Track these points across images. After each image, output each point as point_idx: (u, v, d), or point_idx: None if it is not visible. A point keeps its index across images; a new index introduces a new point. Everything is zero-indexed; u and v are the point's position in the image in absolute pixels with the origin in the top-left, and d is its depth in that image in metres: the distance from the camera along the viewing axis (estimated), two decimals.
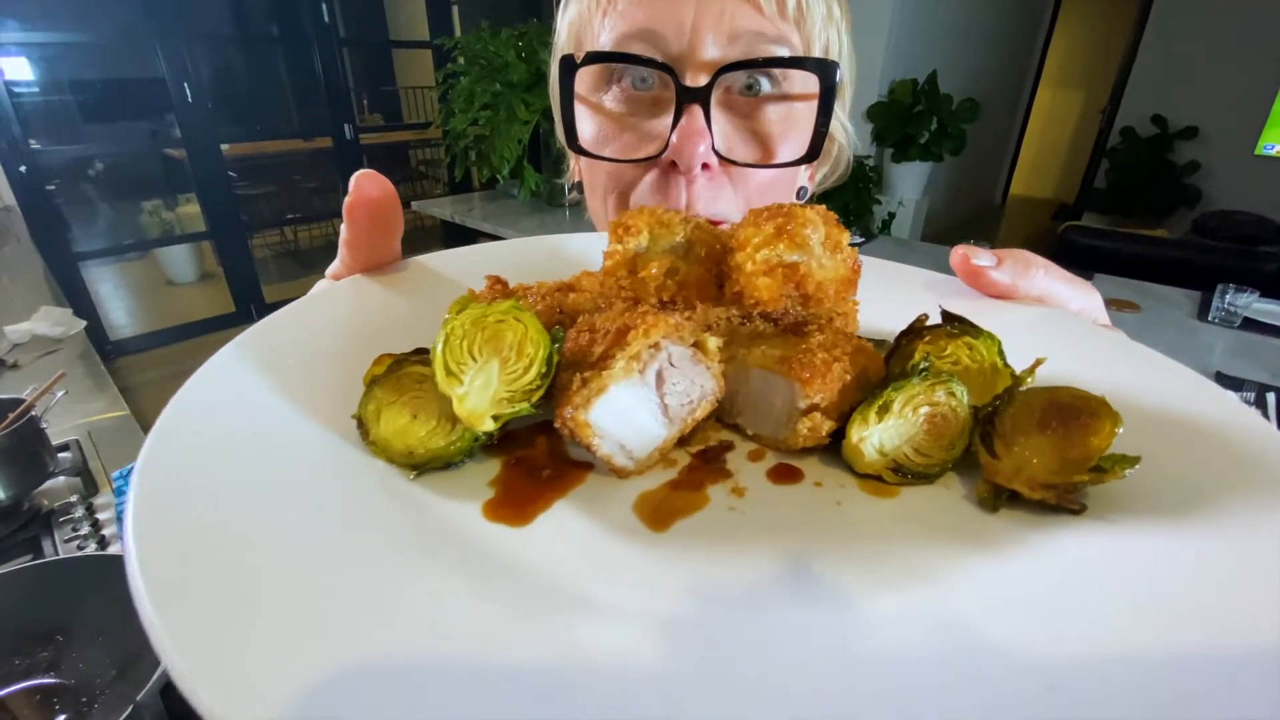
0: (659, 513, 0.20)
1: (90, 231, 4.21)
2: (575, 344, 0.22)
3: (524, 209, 2.99)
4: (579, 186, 0.44)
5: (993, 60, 5.56)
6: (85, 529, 0.90)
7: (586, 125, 0.38)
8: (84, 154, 4.47)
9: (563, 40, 0.41)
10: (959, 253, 0.27)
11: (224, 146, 3.74)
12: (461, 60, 2.82)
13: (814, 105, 0.35)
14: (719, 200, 0.38)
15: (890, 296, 0.30)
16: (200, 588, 0.16)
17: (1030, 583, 0.17)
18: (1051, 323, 0.27)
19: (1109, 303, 1.57)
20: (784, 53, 0.35)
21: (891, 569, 0.17)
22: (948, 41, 4.61)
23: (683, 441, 0.23)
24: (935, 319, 0.24)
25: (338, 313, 0.28)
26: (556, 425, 0.21)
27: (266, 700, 0.13)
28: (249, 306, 4.02)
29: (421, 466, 0.21)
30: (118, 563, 0.68)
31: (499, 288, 0.25)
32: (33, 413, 0.95)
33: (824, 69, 0.34)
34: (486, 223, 2.82)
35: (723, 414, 0.24)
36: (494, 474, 0.21)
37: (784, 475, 0.22)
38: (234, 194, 3.91)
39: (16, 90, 3.13)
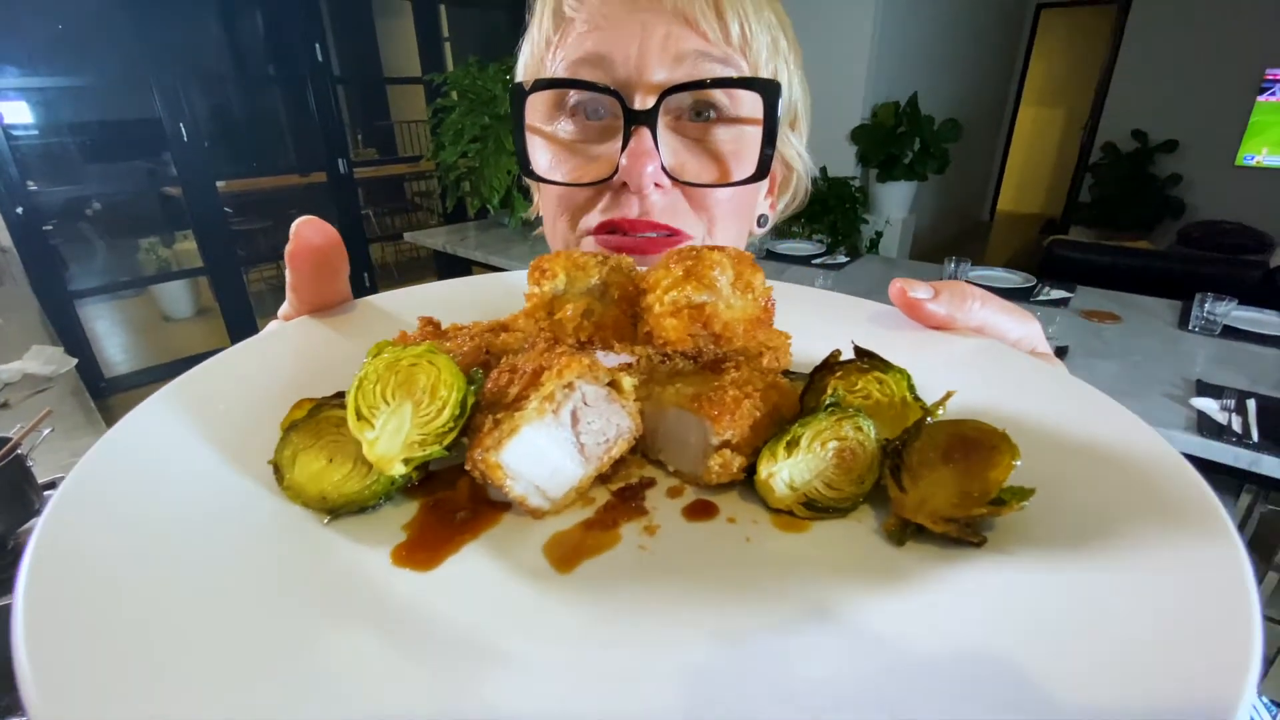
0: (567, 554, 0.20)
1: (87, 270, 4.25)
2: (495, 384, 0.22)
3: (515, 237, 3.03)
4: (539, 219, 0.46)
5: (973, 81, 5.68)
6: None
7: (540, 153, 0.39)
8: (81, 194, 4.53)
9: (519, 75, 0.43)
10: (896, 286, 0.28)
11: (219, 183, 3.79)
12: (452, 95, 2.88)
13: (759, 129, 0.37)
14: (678, 216, 0.38)
15: (830, 330, 0.30)
16: (81, 642, 0.16)
17: (928, 615, 0.17)
18: (983, 353, 0.28)
19: (1092, 314, 1.60)
20: (729, 74, 0.36)
21: (788, 604, 0.18)
22: (928, 65, 4.72)
23: (604, 479, 0.23)
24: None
25: (274, 356, 0.28)
26: (467, 467, 0.21)
27: None
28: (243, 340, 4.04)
29: (336, 511, 0.21)
30: None
31: (429, 328, 0.26)
32: (19, 450, 0.96)
33: (765, 88, 0.35)
34: (479, 251, 2.85)
35: (647, 450, 0.24)
36: (410, 516, 0.21)
37: (699, 512, 0.22)
38: (230, 230, 3.95)
39: (15, 134, 3.18)
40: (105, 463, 0.21)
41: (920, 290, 0.27)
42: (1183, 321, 1.81)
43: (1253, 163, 5.08)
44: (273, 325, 0.32)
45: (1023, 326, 0.28)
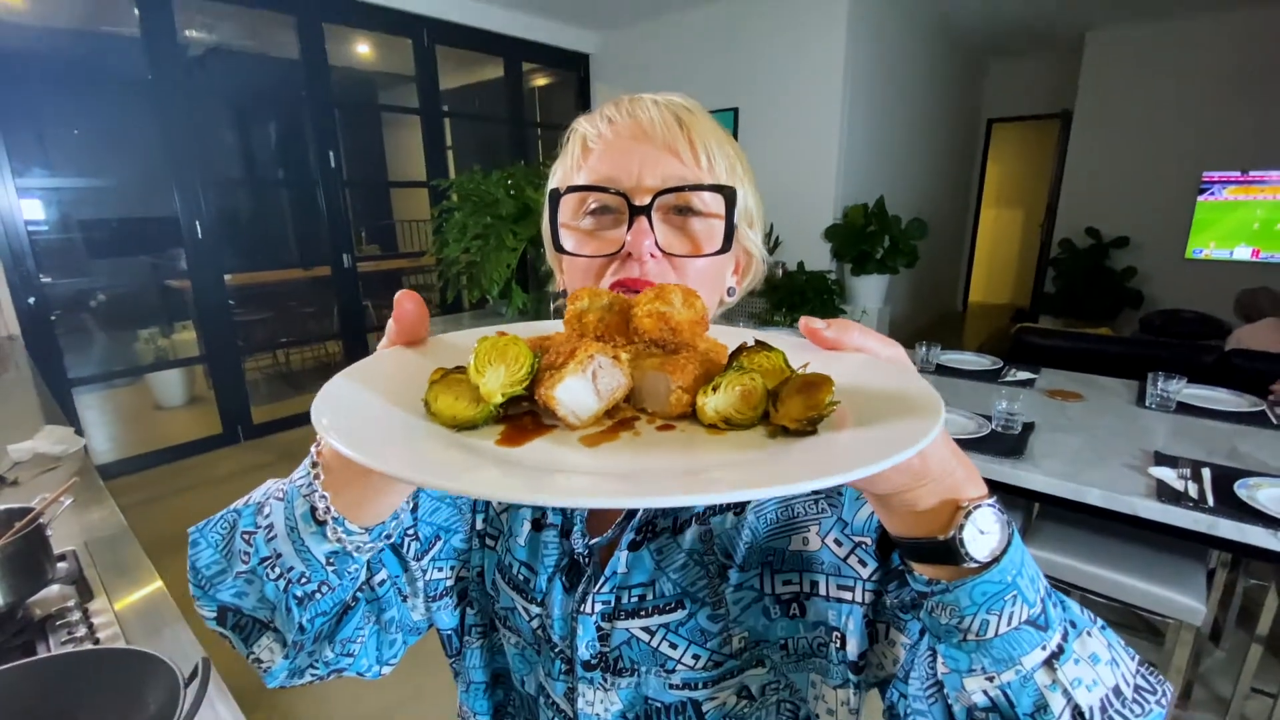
0: (591, 441, 0.35)
1: (85, 359, 4.31)
2: (547, 360, 0.38)
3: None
4: (564, 294, 0.58)
5: (935, 185, 6.16)
6: (81, 632, 0.92)
7: (568, 238, 0.54)
8: (91, 285, 4.69)
9: (552, 185, 0.58)
10: (802, 320, 0.40)
11: (227, 276, 3.95)
12: (454, 198, 3.12)
13: (723, 222, 0.52)
14: (665, 278, 0.52)
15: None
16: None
17: (778, 450, 0.33)
18: (856, 360, 0.43)
19: (1055, 393, 1.73)
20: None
21: (709, 450, 0.35)
22: (892, 171, 5.15)
23: (610, 415, 0.38)
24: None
25: (403, 357, 0.44)
26: (536, 398, 0.36)
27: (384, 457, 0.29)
28: (236, 427, 4.05)
29: (460, 426, 0.36)
30: (118, 656, 0.72)
31: (504, 334, 0.41)
32: (41, 520, 1.00)
33: (726, 192, 0.51)
34: (460, 331, 2.98)
35: (633, 401, 0.40)
36: (500, 431, 0.37)
37: (665, 429, 0.37)
38: (233, 320, 4.08)
39: (35, 229, 3.35)
40: (331, 394, 0.37)
41: (816, 322, 0.39)
42: (1140, 399, 1.93)
43: (1201, 256, 5.46)
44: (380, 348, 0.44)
45: (890, 350, 0.39)
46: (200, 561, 0.48)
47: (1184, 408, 1.85)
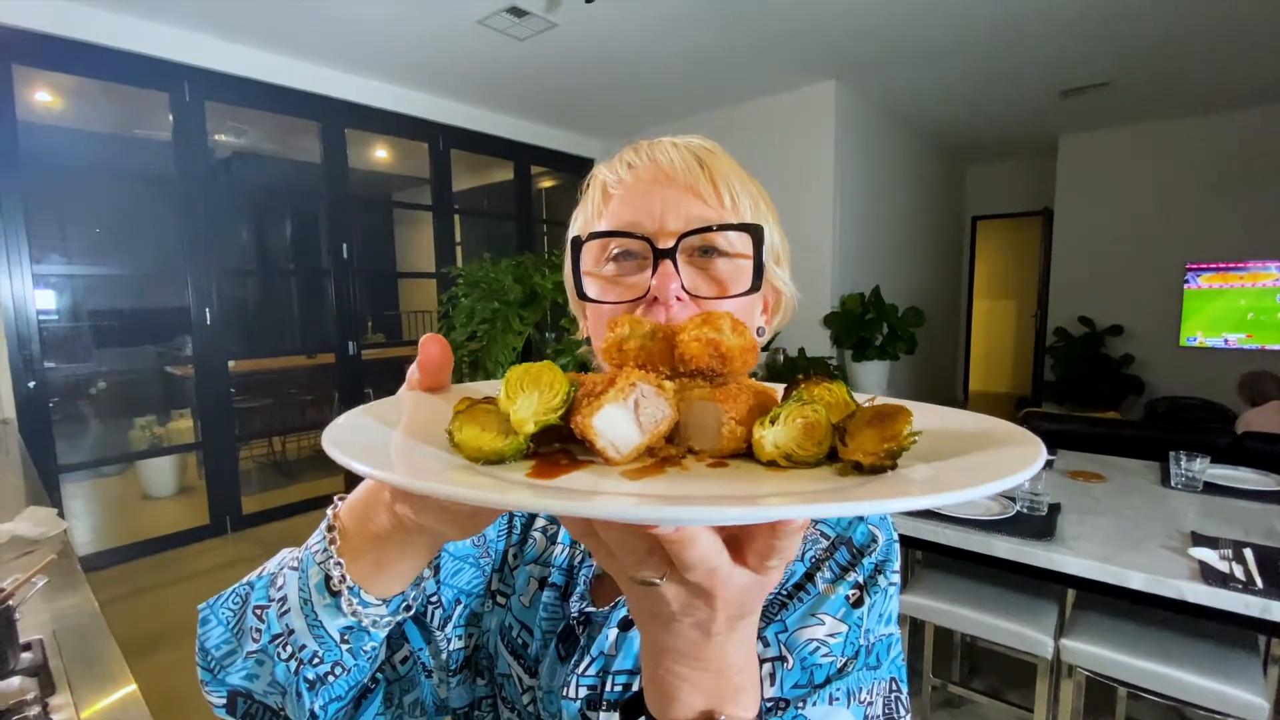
0: (635, 475, 0.31)
1: (78, 446, 4.24)
2: (585, 390, 0.34)
3: None
4: (587, 340, 0.56)
5: (928, 277, 6.35)
6: None
7: (591, 285, 0.51)
8: (92, 372, 4.68)
9: (573, 232, 0.56)
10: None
11: (231, 363, 3.96)
12: (462, 284, 3.20)
13: (750, 261, 0.50)
14: None
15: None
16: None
17: (849, 487, 0.29)
18: (923, 406, 0.41)
19: (1077, 474, 1.67)
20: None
21: (770, 482, 0.31)
22: (885, 262, 5.33)
23: (653, 453, 0.34)
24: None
25: (422, 399, 0.42)
26: (572, 426, 0.32)
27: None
28: (225, 518, 3.91)
29: (487, 460, 0.32)
30: None
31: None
32: (10, 602, 0.93)
33: (752, 229, 0.49)
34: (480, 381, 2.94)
35: (679, 438, 0.35)
36: (531, 465, 0.33)
37: (717, 465, 0.33)
38: (232, 407, 4.04)
39: (45, 317, 3.40)
40: (346, 423, 0.34)
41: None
42: (1164, 480, 1.87)
43: (1195, 343, 5.53)
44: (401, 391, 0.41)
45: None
46: (210, 641, 0.45)
47: (1210, 488, 1.79)
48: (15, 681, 0.94)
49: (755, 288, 0.49)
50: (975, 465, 0.28)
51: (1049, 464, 2.07)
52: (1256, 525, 1.52)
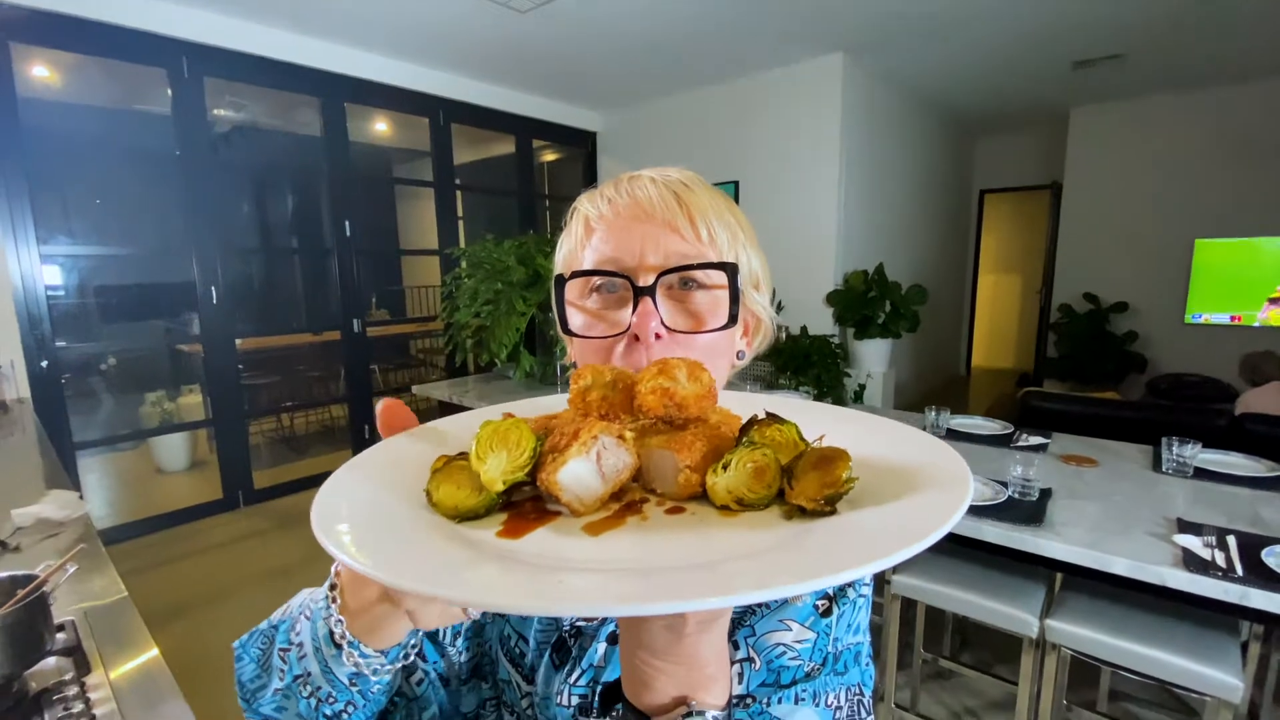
0: (595, 529, 0.34)
1: (91, 422, 4.31)
2: (550, 442, 0.37)
3: (518, 389, 3.18)
4: (573, 365, 0.59)
5: (933, 252, 6.31)
6: (78, 708, 0.88)
7: (575, 318, 0.54)
8: (102, 350, 4.74)
9: (558, 267, 0.59)
10: None
11: (238, 341, 4.00)
12: (465, 265, 3.21)
13: (727, 293, 0.52)
14: (675, 355, 0.53)
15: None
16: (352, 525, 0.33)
17: (797, 536, 0.32)
18: (873, 425, 0.45)
19: (1069, 459, 1.72)
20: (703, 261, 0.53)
21: (721, 539, 0.33)
22: (890, 239, 5.30)
23: (616, 497, 0.37)
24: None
25: (404, 447, 0.45)
26: (538, 483, 0.36)
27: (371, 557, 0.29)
28: (237, 493, 4.00)
29: (462, 517, 0.35)
30: None
31: (510, 416, 0.41)
32: (45, 589, 0.98)
33: (729, 269, 0.51)
34: (481, 402, 2.98)
35: (641, 481, 0.39)
36: (503, 519, 0.36)
37: (674, 511, 0.36)
38: (240, 384, 4.10)
39: (53, 295, 3.43)
40: (331, 492, 0.36)
41: None
42: (1155, 464, 1.91)
43: (1200, 320, 5.51)
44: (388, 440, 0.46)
45: None
46: (244, 676, 0.50)
47: (1201, 473, 1.82)
48: (51, 662, 1.00)
49: (732, 320, 0.52)
50: (897, 520, 0.31)
51: (1042, 448, 2.11)
52: (1242, 512, 1.56)
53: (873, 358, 4.64)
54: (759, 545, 0.31)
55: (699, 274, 0.52)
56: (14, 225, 3.17)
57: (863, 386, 4.42)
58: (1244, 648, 1.61)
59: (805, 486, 0.33)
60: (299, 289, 6.13)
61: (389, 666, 0.44)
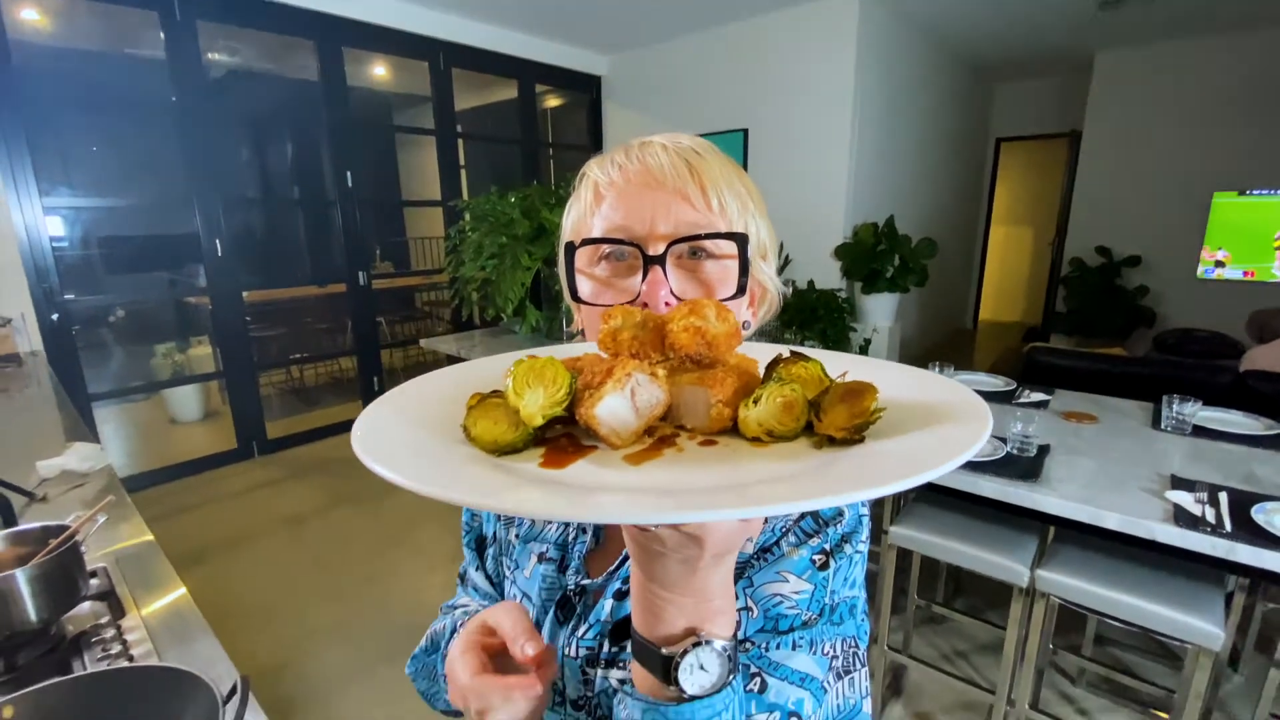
0: (636, 459, 0.35)
1: (104, 374, 4.38)
2: (584, 380, 0.38)
3: (525, 343, 3.20)
4: (582, 333, 0.60)
5: (944, 204, 6.18)
6: (116, 649, 0.94)
7: (584, 286, 0.54)
8: (110, 302, 4.77)
9: (566, 234, 0.58)
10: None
11: (244, 293, 4.01)
12: (469, 218, 3.18)
13: (737, 262, 0.52)
14: None
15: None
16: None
17: (825, 462, 0.33)
18: (894, 370, 0.46)
19: (1070, 415, 1.73)
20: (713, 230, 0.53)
21: (754, 465, 0.34)
22: (901, 190, 5.18)
23: (650, 432, 0.39)
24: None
25: (434, 383, 0.47)
26: (577, 418, 0.37)
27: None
28: (251, 443, 4.09)
29: (501, 450, 0.36)
30: (158, 675, 0.74)
31: (535, 357, 0.42)
32: (77, 538, 1.03)
33: (739, 239, 0.51)
34: (489, 356, 3.01)
35: (672, 417, 0.40)
36: (541, 454, 0.37)
37: (707, 444, 0.37)
38: (248, 336, 4.13)
39: (57, 246, 3.43)
40: (369, 425, 0.38)
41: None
42: (1155, 422, 1.93)
43: (1213, 276, 5.44)
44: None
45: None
46: (420, 689, 0.64)
47: (1200, 430, 1.84)
48: (86, 606, 1.06)
49: (741, 291, 0.52)
50: (926, 445, 0.32)
51: (1043, 405, 2.13)
52: (1237, 469, 1.59)
53: (879, 312, 4.62)
54: (791, 469, 0.33)
55: (709, 244, 0.52)
56: (14, 176, 3.14)
57: (868, 341, 4.42)
58: (1229, 598, 1.67)
59: (834, 418, 0.35)
60: (302, 241, 6.09)
61: None
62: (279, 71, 5.22)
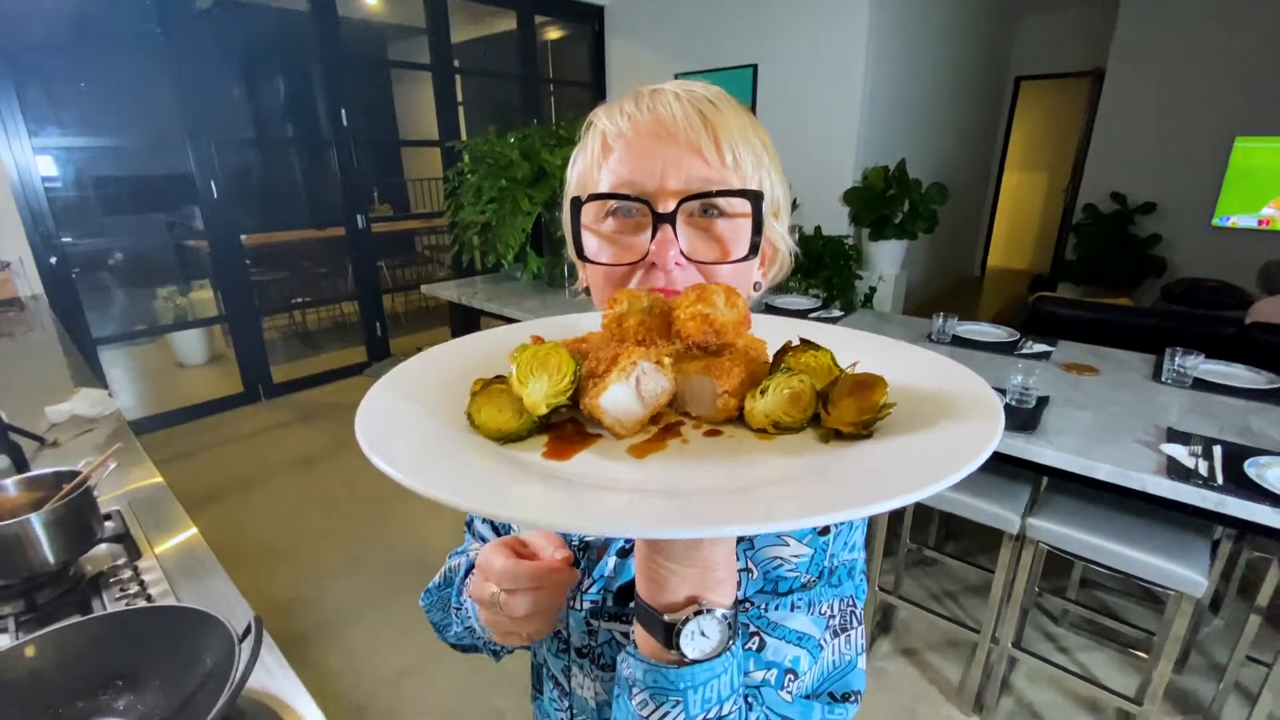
0: (640, 451, 0.35)
1: (106, 317, 4.39)
2: (588, 367, 0.38)
3: (526, 290, 3.18)
4: (586, 290, 0.58)
5: (958, 147, 5.99)
6: (134, 589, 0.98)
7: (590, 242, 0.52)
8: (108, 245, 4.72)
9: (571, 187, 0.56)
10: None
11: (243, 237, 3.97)
12: (467, 159, 3.09)
13: (750, 221, 0.50)
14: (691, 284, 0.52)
15: (790, 333, 0.48)
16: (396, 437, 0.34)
17: (832, 460, 0.33)
18: (904, 355, 0.44)
19: (1071, 367, 1.74)
20: (727, 188, 0.50)
21: (760, 461, 0.34)
22: (914, 133, 5.01)
23: (654, 421, 0.38)
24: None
25: (440, 363, 0.45)
26: (581, 407, 0.37)
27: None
28: (257, 387, 4.14)
29: (505, 439, 0.36)
30: (176, 615, 0.77)
31: (539, 342, 0.41)
32: (89, 483, 1.05)
33: (753, 196, 0.49)
34: (491, 304, 2.99)
35: (677, 405, 0.40)
36: (545, 441, 0.37)
37: (713, 434, 0.37)
38: (250, 280, 4.11)
39: (50, 187, 3.37)
40: (372, 411, 0.37)
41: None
42: (1156, 374, 1.93)
43: (1228, 224, 5.32)
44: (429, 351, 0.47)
45: None
46: (432, 619, 0.67)
47: (1200, 384, 1.84)
48: (103, 548, 1.10)
49: (753, 251, 0.50)
50: (934, 447, 0.31)
51: (1046, 356, 2.12)
52: (1234, 422, 1.60)
53: (886, 259, 4.56)
54: (797, 468, 0.32)
55: (721, 201, 0.50)
56: (2, 117, 3.05)
57: (873, 289, 4.38)
58: (1216, 545, 1.71)
59: (842, 411, 0.34)
60: (299, 182, 5.97)
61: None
62: (266, 1, 4.98)
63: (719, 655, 0.37)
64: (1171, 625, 1.51)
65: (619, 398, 0.36)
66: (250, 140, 5.52)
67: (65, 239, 3.39)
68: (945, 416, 0.34)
